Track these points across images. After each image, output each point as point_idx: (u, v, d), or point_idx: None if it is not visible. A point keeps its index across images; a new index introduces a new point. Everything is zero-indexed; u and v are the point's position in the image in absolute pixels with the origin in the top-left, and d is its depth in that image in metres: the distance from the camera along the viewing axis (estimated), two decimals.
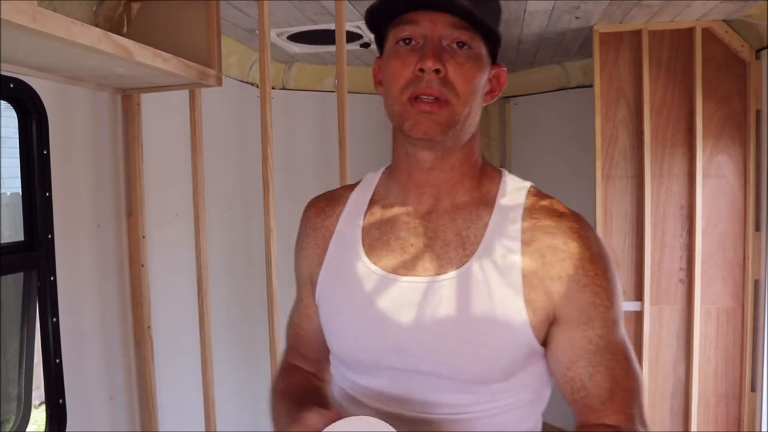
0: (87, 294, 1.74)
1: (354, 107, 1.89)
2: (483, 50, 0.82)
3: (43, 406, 1.57)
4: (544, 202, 0.85)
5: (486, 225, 0.84)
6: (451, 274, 0.81)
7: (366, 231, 0.89)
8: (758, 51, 2.21)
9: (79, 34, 1.15)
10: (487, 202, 0.86)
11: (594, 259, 0.80)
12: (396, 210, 0.88)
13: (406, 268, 0.84)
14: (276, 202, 1.77)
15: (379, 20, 0.85)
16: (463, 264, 0.82)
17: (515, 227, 0.82)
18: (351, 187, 0.97)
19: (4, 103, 1.49)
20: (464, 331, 0.80)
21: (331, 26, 2.08)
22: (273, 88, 2.23)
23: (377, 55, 0.89)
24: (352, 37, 2.30)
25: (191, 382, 2.04)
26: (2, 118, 1.69)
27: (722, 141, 2.27)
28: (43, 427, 1.56)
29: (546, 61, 2.99)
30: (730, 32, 2.23)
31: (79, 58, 1.34)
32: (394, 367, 0.83)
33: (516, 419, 0.84)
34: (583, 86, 2.97)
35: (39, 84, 1.49)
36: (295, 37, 2.35)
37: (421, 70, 0.78)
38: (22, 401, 1.57)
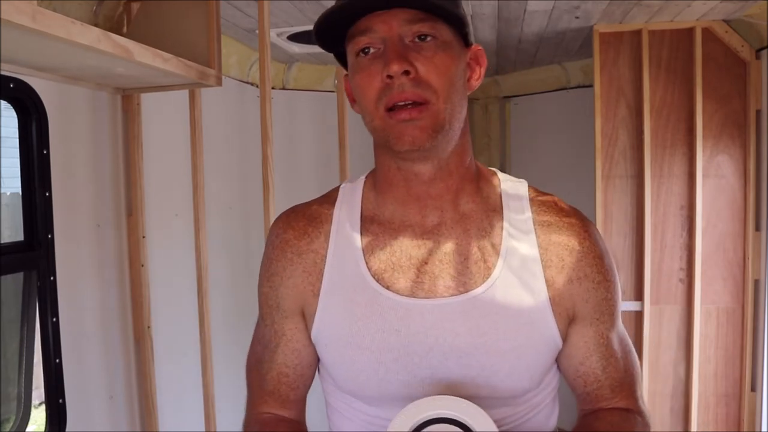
0: (87, 294, 1.74)
1: None
2: (450, 36, 0.75)
3: (43, 406, 1.56)
4: (549, 202, 0.84)
5: (501, 234, 0.80)
6: (477, 291, 0.77)
7: (368, 252, 0.80)
8: (758, 51, 2.21)
9: (78, 34, 1.15)
10: (493, 207, 0.82)
11: (604, 256, 0.82)
12: (398, 227, 0.81)
13: (425, 290, 0.77)
14: (276, 202, 1.77)
15: (331, 38, 0.79)
16: (487, 279, 0.77)
17: (530, 232, 0.80)
18: (328, 202, 0.86)
19: (4, 103, 1.48)
20: (500, 350, 0.76)
21: None
22: (273, 88, 2.22)
23: None
24: None
25: (191, 382, 2.04)
26: (2, 118, 1.69)
27: (722, 141, 2.27)
28: (43, 427, 1.56)
29: (546, 61, 2.99)
30: (730, 32, 2.23)
31: (78, 58, 1.34)
32: (429, 396, 0.76)
33: (543, 418, 0.85)
34: (583, 86, 2.96)
35: (39, 84, 1.49)
36: (295, 37, 2.35)
37: (389, 77, 0.71)
38: (22, 401, 1.57)
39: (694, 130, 2.27)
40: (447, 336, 0.76)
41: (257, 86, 2.08)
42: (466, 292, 0.77)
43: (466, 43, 0.79)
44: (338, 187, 0.89)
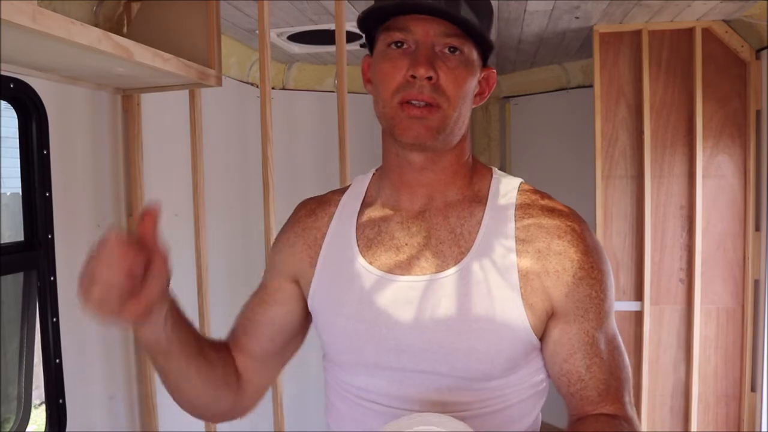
0: None
1: (354, 107, 1.89)
2: (474, 55, 0.82)
3: (43, 406, 1.57)
4: (536, 198, 0.86)
5: (479, 222, 0.84)
6: (448, 272, 0.82)
7: (360, 232, 0.89)
8: (758, 51, 2.21)
9: (78, 34, 1.15)
10: (479, 199, 0.87)
11: (588, 252, 0.82)
12: (389, 210, 0.89)
13: (403, 267, 0.84)
14: (276, 202, 1.77)
15: (371, 24, 0.85)
16: (459, 262, 0.82)
17: (509, 224, 0.83)
18: (341, 191, 0.97)
19: (4, 103, 1.49)
20: (463, 329, 0.80)
21: (331, 26, 2.08)
22: (273, 88, 2.23)
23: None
24: (352, 37, 2.29)
25: None
26: (2, 118, 1.69)
27: (722, 141, 2.27)
28: (43, 427, 1.56)
29: (546, 61, 2.99)
30: (730, 32, 2.23)
31: (78, 58, 1.34)
32: (393, 367, 0.83)
33: (517, 415, 0.85)
34: (583, 86, 2.97)
35: (39, 84, 1.49)
36: (295, 37, 2.35)
37: (413, 76, 0.78)
38: (22, 401, 1.57)
39: (694, 130, 2.27)
40: (412, 311, 0.82)
41: (257, 86, 2.08)
42: (437, 272, 0.82)
43: (484, 63, 0.86)
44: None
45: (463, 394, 0.82)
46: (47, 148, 1.52)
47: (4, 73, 1.38)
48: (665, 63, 2.30)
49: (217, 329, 2.09)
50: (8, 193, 2.88)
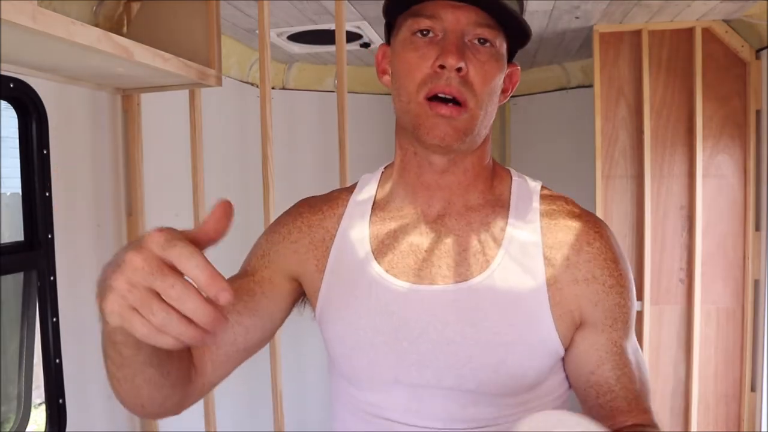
0: (87, 294, 1.73)
1: (354, 107, 1.89)
2: (504, 49, 0.77)
3: (43, 406, 1.56)
4: (561, 203, 0.82)
5: (503, 229, 0.79)
6: (473, 282, 0.76)
7: (374, 237, 0.82)
8: (758, 51, 2.21)
9: (78, 34, 1.15)
10: (501, 204, 0.81)
11: (617, 260, 0.78)
12: (404, 213, 0.82)
13: (423, 276, 0.78)
14: (276, 202, 1.77)
15: (395, 10, 0.79)
16: (484, 270, 0.77)
17: (535, 231, 0.78)
18: (347, 190, 0.90)
19: (4, 103, 1.48)
20: (492, 343, 0.74)
21: (331, 26, 2.08)
22: (273, 88, 2.23)
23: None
24: (352, 37, 2.30)
25: None
26: (2, 118, 1.69)
27: (722, 141, 2.27)
28: (43, 427, 1.56)
29: (546, 61, 2.99)
30: (730, 32, 2.23)
31: (78, 58, 1.34)
32: (414, 384, 0.77)
33: None
34: (583, 86, 2.96)
35: (39, 84, 1.49)
36: (295, 37, 2.35)
37: (441, 67, 0.72)
38: (22, 401, 1.57)
39: (694, 130, 2.27)
40: (437, 324, 0.76)
41: (257, 86, 2.08)
42: (462, 281, 0.77)
43: (510, 59, 0.82)
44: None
45: (487, 409, 0.76)
46: (47, 148, 1.52)
47: (4, 73, 1.38)
48: (665, 63, 2.30)
49: None
50: (8, 193, 2.87)
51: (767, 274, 2.21)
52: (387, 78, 0.82)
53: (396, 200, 0.84)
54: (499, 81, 0.77)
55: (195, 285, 0.49)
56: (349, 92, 1.80)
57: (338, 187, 1.85)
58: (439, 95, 0.73)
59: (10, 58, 1.31)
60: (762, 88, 2.19)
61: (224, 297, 0.48)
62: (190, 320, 0.49)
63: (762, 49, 2.19)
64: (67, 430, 1.57)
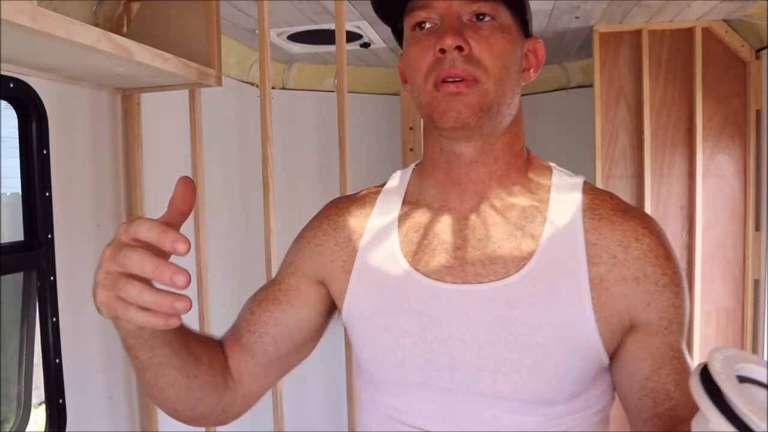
0: (87, 294, 1.72)
1: (354, 107, 1.89)
2: (509, 20, 0.73)
3: (43, 406, 1.56)
4: (605, 198, 0.77)
5: (543, 223, 0.74)
6: (509, 280, 0.72)
7: (403, 235, 0.79)
8: (758, 51, 2.21)
9: (78, 34, 1.15)
10: (540, 198, 0.77)
11: (669, 257, 0.72)
12: (436, 211, 0.79)
13: (455, 274, 0.74)
14: (276, 202, 1.77)
15: (389, 11, 0.77)
16: (522, 267, 0.72)
17: (577, 226, 0.73)
18: (377, 187, 0.87)
19: (4, 103, 1.48)
20: (528, 345, 0.70)
21: (331, 26, 2.08)
22: (273, 88, 2.22)
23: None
24: (352, 37, 2.30)
25: None
26: (2, 118, 1.69)
27: (722, 141, 2.27)
28: (43, 427, 1.56)
29: (546, 61, 2.97)
30: (730, 32, 2.23)
31: (78, 58, 1.34)
32: (445, 389, 0.73)
33: None
34: (583, 86, 2.96)
35: (39, 84, 1.49)
36: (295, 37, 2.35)
37: (442, 51, 0.70)
38: (22, 401, 1.57)
39: (694, 130, 2.27)
40: (469, 324, 0.72)
41: (257, 86, 2.08)
42: (496, 280, 0.72)
43: (527, 33, 0.78)
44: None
45: (523, 420, 0.71)
46: (47, 148, 1.52)
47: (4, 73, 1.38)
48: (665, 63, 2.30)
49: (218, 330, 2.09)
50: (8, 193, 2.88)
51: (767, 274, 2.21)
52: (408, 86, 0.79)
53: (427, 198, 0.81)
54: (512, 55, 0.74)
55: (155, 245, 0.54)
56: (349, 92, 1.80)
57: (338, 187, 1.85)
58: (447, 79, 0.70)
59: (10, 58, 1.31)
60: (762, 88, 2.19)
61: (180, 247, 0.52)
62: (156, 289, 0.54)
63: (762, 49, 2.19)
64: (67, 430, 1.57)
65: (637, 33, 2.30)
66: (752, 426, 0.47)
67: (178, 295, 0.53)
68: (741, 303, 2.28)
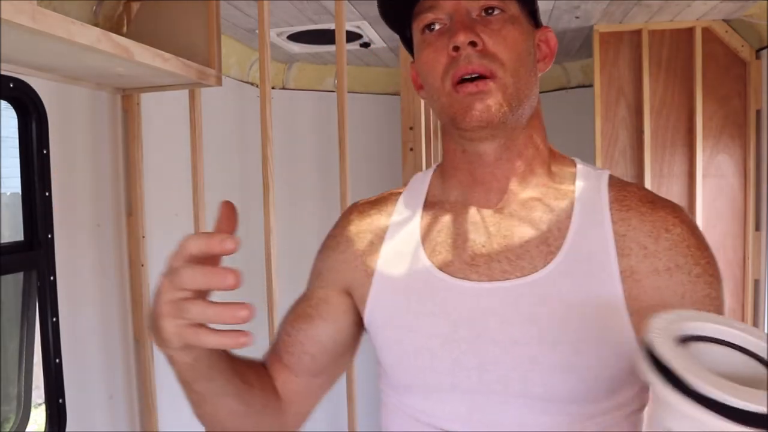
0: (87, 294, 1.74)
1: (354, 107, 1.89)
2: (518, 11, 0.73)
3: (43, 406, 1.56)
4: (633, 189, 0.75)
5: (569, 216, 0.72)
6: (537, 276, 0.70)
7: (426, 235, 0.77)
8: (758, 51, 2.21)
9: (78, 34, 1.15)
10: (565, 192, 0.75)
11: (703, 246, 0.70)
12: (459, 210, 0.77)
13: (481, 272, 0.72)
14: (276, 202, 1.78)
15: (397, 16, 0.76)
16: (549, 262, 0.70)
17: (605, 218, 0.71)
18: (397, 190, 0.86)
19: (4, 103, 1.48)
20: (560, 341, 0.67)
21: (331, 26, 2.08)
22: (273, 88, 2.23)
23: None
24: (352, 36, 2.30)
25: None
26: (2, 118, 1.69)
27: (722, 141, 2.27)
28: (43, 427, 1.56)
29: None
30: (730, 32, 2.23)
31: (78, 58, 1.34)
32: (474, 390, 0.70)
33: None
34: (583, 86, 2.96)
35: (39, 84, 1.49)
36: (295, 37, 2.35)
37: (456, 48, 0.69)
38: (22, 401, 1.57)
39: (694, 130, 2.27)
40: (498, 322, 0.69)
41: (257, 86, 2.08)
42: (524, 276, 0.70)
43: (536, 23, 0.77)
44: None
45: (558, 420, 0.68)
46: (47, 148, 1.52)
47: (4, 73, 1.38)
48: (665, 63, 2.30)
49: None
50: (8, 193, 2.87)
51: (767, 274, 2.21)
52: (423, 92, 0.78)
53: (450, 198, 0.79)
54: (526, 45, 0.73)
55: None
56: (349, 92, 1.80)
57: (337, 186, 1.85)
58: (464, 77, 0.69)
59: (10, 58, 1.31)
60: (762, 88, 2.19)
61: (229, 243, 0.53)
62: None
63: (762, 49, 2.19)
64: (67, 430, 1.57)
65: (637, 33, 2.30)
66: (689, 384, 0.45)
67: (239, 304, 0.53)
68: (741, 303, 2.28)
